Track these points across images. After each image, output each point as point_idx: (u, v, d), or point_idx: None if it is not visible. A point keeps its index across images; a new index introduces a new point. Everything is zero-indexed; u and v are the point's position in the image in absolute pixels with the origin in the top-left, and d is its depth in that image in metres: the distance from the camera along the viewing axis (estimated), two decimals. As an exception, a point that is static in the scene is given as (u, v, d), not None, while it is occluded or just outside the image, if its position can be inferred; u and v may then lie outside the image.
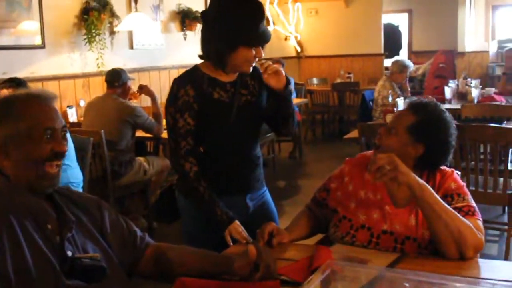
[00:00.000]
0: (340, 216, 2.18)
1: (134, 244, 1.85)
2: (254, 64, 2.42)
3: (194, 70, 2.46)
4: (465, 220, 1.95)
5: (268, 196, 2.66)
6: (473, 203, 2.05)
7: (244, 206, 2.51)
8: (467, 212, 2.00)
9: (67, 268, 1.56)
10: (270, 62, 2.36)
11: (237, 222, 2.33)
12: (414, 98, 2.29)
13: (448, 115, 2.13)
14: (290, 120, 2.51)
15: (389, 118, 4.75)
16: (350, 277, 1.54)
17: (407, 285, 1.47)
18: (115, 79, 4.91)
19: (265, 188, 2.65)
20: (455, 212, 1.96)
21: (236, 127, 2.42)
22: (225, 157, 2.46)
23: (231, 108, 2.41)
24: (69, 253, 1.59)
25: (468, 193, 2.09)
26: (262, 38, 2.33)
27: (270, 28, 10.06)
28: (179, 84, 2.41)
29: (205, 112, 2.39)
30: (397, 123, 2.10)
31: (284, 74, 2.39)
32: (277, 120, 2.53)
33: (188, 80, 2.41)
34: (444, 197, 2.02)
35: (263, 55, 2.37)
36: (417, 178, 1.95)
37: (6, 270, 1.45)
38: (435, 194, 1.97)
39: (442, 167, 2.15)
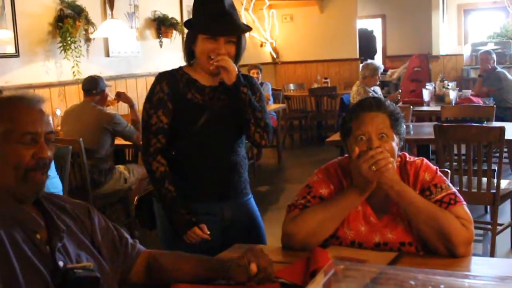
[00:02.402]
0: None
1: (126, 251, 1.78)
2: (245, 73, 2.40)
3: (176, 69, 2.47)
4: (448, 214, 1.91)
5: (252, 204, 2.57)
6: (452, 188, 2.01)
7: (220, 214, 2.43)
8: (449, 202, 1.96)
9: (59, 280, 1.47)
10: (224, 56, 2.31)
11: (198, 227, 2.30)
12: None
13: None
14: (253, 125, 2.40)
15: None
16: (353, 277, 1.49)
17: (413, 283, 1.42)
18: (93, 86, 4.82)
19: (249, 196, 2.57)
20: (436, 208, 1.93)
21: (208, 131, 2.38)
22: (196, 161, 2.41)
23: (203, 110, 2.38)
24: (61, 264, 1.50)
25: (444, 178, 2.05)
26: (216, 28, 2.30)
27: (246, 34, 10.01)
28: (157, 80, 2.43)
29: (177, 111, 2.38)
30: (381, 126, 2.00)
31: (235, 70, 2.34)
32: (243, 125, 2.44)
33: (166, 77, 2.42)
34: (421, 192, 1.99)
35: (224, 52, 2.30)
36: (396, 179, 1.93)
37: None
38: (412, 192, 1.95)
39: (411, 158, 2.11)
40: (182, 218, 2.32)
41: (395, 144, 2.00)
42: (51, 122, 1.60)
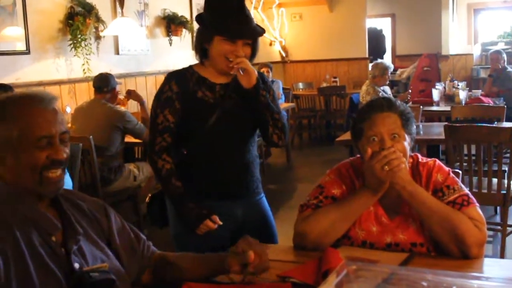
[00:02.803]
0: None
1: (143, 252, 1.77)
2: (260, 69, 2.38)
3: (186, 68, 2.46)
4: (461, 216, 1.91)
5: (264, 203, 2.58)
6: (465, 190, 2.01)
7: (232, 213, 2.43)
8: (462, 203, 1.95)
9: (75, 283, 1.46)
10: (243, 59, 2.30)
11: (209, 219, 2.30)
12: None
13: None
14: (271, 127, 2.41)
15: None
16: (365, 277, 1.49)
17: (424, 284, 1.42)
18: (104, 84, 4.84)
19: (261, 195, 2.57)
20: (449, 209, 1.92)
21: (220, 130, 2.37)
22: (208, 160, 2.40)
23: (214, 108, 2.36)
24: (77, 266, 1.49)
25: (457, 180, 2.04)
26: (236, 31, 2.29)
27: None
28: (166, 79, 2.42)
29: (187, 110, 2.37)
30: (393, 127, 1.99)
31: (255, 73, 2.34)
32: (260, 126, 2.46)
33: (176, 76, 2.41)
34: (434, 193, 1.99)
35: (242, 54, 2.30)
36: (408, 180, 1.93)
37: (10, 285, 1.36)
38: (424, 192, 1.94)
39: (424, 159, 2.10)
40: (193, 212, 2.32)
41: (407, 144, 2.00)
42: (64, 120, 1.58)
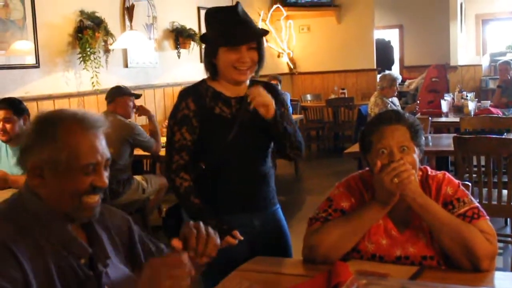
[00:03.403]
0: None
1: None
2: (269, 81, 2.38)
3: (200, 83, 2.45)
4: (472, 228, 1.90)
5: (279, 214, 2.58)
6: (475, 202, 2.00)
7: (250, 225, 2.42)
8: (472, 216, 1.95)
9: None
10: (260, 89, 2.30)
11: (230, 235, 2.23)
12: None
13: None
14: (288, 148, 2.44)
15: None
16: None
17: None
18: (107, 95, 4.97)
19: (277, 206, 2.57)
20: (460, 222, 1.91)
21: (237, 144, 2.36)
22: (226, 174, 2.40)
23: (232, 124, 2.36)
24: None
25: (467, 192, 2.03)
26: (236, 36, 2.29)
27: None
28: (182, 96, 2.40)
29: (205, 127, 2.37)
30: (402, 139, 1.99)
31: (273, 107, 2.32)
32: (277, 145, 2.48)
33: (191, 93, 2.40)
34: (444, 206, 1.98)
35: (248, 60, 2.30)
36: (418, 192, 1.93)
37: None
38: (435, 205, 1.93)
39: (433, 172, 2.10)
40: (213, 228, 2.28)
41: (416, 156, 2.00)
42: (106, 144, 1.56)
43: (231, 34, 2.30)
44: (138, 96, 5.17)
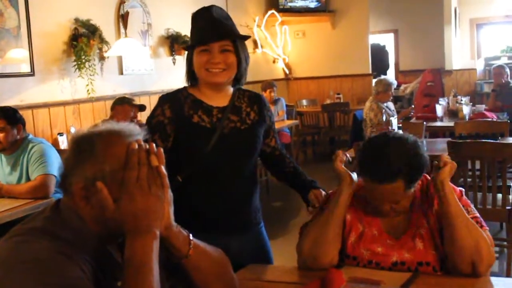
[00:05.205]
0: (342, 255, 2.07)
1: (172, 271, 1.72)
2: (260, 93, 2.38)
3: (180, 90, 2.35)
4: (481, 231, 1.91)
5: (261, 234, 2.43)
6: (476, 213, 2.01)
7: (225, 248, 2.07)
8: (476, 224, 1.95)
9: None
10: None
11: None
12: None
13: (410, 138, 1.99)
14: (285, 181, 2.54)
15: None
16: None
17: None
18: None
19: (260, 225, 2.42)
20: (474, 223, 1.92)
21: (217, 157, 2.23)
22: (204, 189, 2.26)
23: (212, 134, 2.24)
24: None
25: (469, 202, 2.04)
26: (205, 34, 2.21)
27: (259, 51, 10.09)
28: (159, 102, 2.32)
29: (182, 135, 2.26)
30: (394, 198, 1.95)
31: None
32: (272, 167, 2.52)
33: (169, 99, 2.30)
34: None
35: (220, 61, 2.21)
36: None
37: None
38: (460, 205, 1.93)
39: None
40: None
41: (411, 192, 1.98)
42: None
43: (202, 32, 2.23)
44: (142, 108, 5.18)
